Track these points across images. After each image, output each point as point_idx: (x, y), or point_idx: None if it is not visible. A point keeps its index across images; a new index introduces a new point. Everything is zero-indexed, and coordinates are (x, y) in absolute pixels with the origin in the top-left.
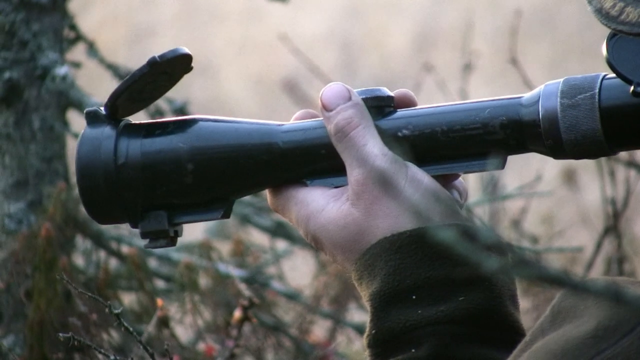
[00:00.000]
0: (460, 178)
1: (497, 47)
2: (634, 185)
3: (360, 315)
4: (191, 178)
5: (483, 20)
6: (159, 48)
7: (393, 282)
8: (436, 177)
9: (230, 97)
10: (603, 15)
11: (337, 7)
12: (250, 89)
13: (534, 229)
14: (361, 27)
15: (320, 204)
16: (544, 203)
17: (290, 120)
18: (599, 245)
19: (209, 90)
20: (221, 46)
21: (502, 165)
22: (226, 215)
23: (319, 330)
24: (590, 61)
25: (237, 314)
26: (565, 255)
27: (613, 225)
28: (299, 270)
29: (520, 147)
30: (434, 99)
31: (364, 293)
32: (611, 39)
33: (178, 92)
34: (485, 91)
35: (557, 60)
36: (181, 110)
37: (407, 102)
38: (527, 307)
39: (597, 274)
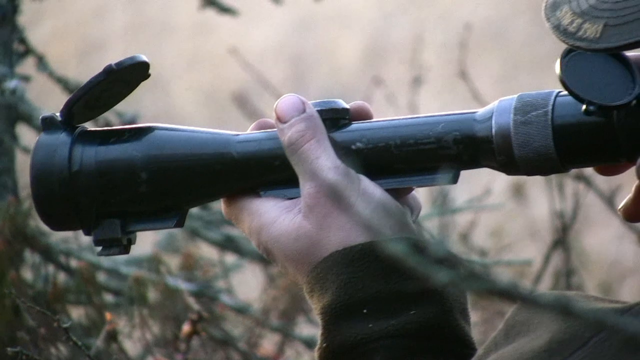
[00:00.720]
0: (413, 192)
1: (448, 60)
2: (582, 199)
3: (309, 328)
4: (145, 187)
5: (433, 34)
6: (109, 61)
7: (344, 295)
8: (389, 191)
9: (180, 110)
10: (561, 31)
11: (287, 21)
12: (200, 102)
13: (483, 243)
14: (311, 40)
15: (272, 215)
16: (493, 216)
17: (243, 131)
18: (547, 259)
19: (159, 103)
20: (171, 59)
21: (455, 180)
22: (180, 224)
23: (268, 343)
24: (540, 74)
25: (186, 327)
26: (514, 268)
27: (561, 239)
28: (248, 284)
29: (473, 163)
30: (384, 113)
31: (315, 306)
32: (565, 57)
33: (128, 104)
34: (435, 104)
35: (508, 73)
36: (131, 124)
37: (363, 115)
38: (476, 321)
39: (545, 287)
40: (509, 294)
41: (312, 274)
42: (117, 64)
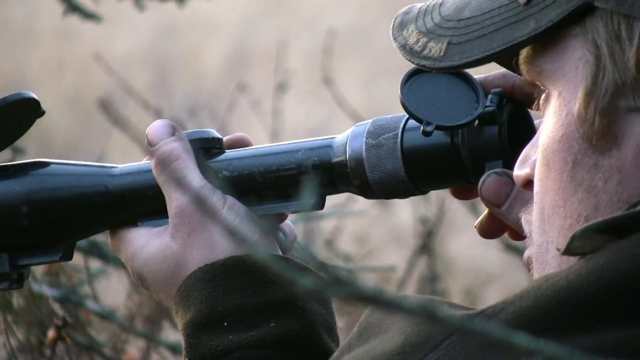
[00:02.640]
0: (287, 220)
1: (313, 65)
2: (447, 205)
3: (174, 334)
4: (26, 220)
5: (299, 39)
6: None
7: (205, 310)
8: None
9: (45, 116)
10: (407, 51)
11: (151, 26)
12: (65, 108)
13: (348, 248)
14: (175, 46)
15: (143, 241)
16: (358, 222)
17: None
18: (412, 264)
19: None
20: (36, 65)
21: (321, 206)
22: (66, 256)
23: (134, 349)
24: None
25: (51, 333)
26: (379, 274)
27: (426, 245)
28: (113, 290)
29: (333, 187)
30: (248, 119)
31: (180, 324)
32: (408, 79)
33: None
34: (300, 110)
35: (372, 78)
36: None
37: (244, 145)
38: (341, 326)
39: (409, 292)
40: (374, 299)
41: (178, 294)
42: None
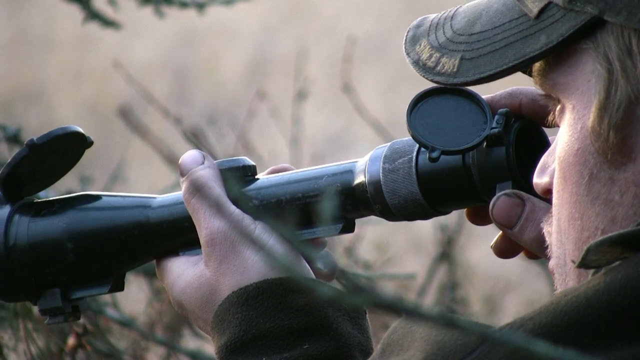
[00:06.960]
0: (326, 249)
1: (332, 73)
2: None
3: (194, 341)
4: (72, 256)
5: (319, 47)
6: None
7: (239, 333)
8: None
9: (64, 124)
10: (420, 67)
11: (171, 34)
12: (84, 116)
13: (368, 256)
14: (195, 54)
15: (180, 270)
16: (378, 230)
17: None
18: (432, 272)
19: (43, 117)
20: (55, 73)
21: (351, 229)
22: (116, 287)
23: (154, 357)
24: (423, 87)
25: (71, 341)
26: (399, 281)
27: (446, 252)
28: (133, 297)
29: (357, 212)
30: (268, 126)
31: (215, 348)
32: (416, 104)
33: (11, 119)
34: (319, 118)
35: (391, 86)
36: (15, 138)
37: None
38: None
39: (430, 300)
40: (394, 307)
41: (213, 319)
42: (38, 138)
